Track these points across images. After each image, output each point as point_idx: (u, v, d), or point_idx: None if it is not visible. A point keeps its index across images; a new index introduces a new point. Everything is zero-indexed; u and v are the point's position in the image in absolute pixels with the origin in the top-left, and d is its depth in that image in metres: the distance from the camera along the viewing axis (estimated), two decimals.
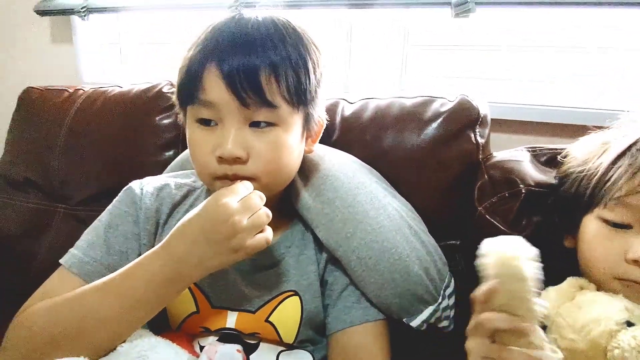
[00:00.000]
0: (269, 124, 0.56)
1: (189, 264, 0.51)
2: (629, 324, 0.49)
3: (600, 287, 0.55)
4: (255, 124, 0.56)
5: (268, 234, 0.54)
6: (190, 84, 0.55)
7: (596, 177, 0.55)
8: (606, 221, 0.54)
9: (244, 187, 0.53)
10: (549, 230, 0.64)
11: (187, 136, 0.60)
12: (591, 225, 0.56)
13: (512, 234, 0.66)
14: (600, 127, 0.64)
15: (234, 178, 0.56)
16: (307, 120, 0.60)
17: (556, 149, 0.72)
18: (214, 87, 0.54)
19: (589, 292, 0.55)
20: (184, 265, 0.51)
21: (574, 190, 0.59)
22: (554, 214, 0.64)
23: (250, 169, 0.56)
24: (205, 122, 0.57)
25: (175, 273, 0.51)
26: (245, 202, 0.52)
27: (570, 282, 0.58)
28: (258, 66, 0.53)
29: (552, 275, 0.60)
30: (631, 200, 0.51)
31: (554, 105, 0.91)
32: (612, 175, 0.53)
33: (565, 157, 0.66)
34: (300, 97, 0.57)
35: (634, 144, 0.54)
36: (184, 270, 0.51)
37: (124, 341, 0.52)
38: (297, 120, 0.58)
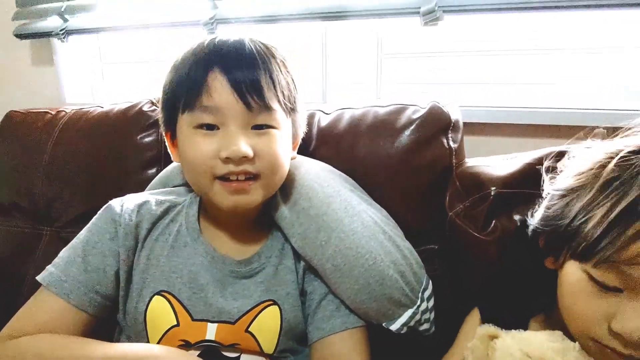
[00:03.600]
0: (268, 127, 0.61)
1: None
2: None
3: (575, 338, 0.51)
4: (256, 127, 0.60)
5: None
6: (191, 91, 0.59)
7: (590, 226, 0.46)
8: (593, 279, 0.46)
9: None
10: (527, 244, 0.58)
11: (182, 142, 0.62)
12: (575, 274, 0.49)
13: (481, 238, 0.68)
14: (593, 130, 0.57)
15: (241, 173, 0.59)
16: (294, 126, 0.68)
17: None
18: (221, 93, 0.58)
19: (497, 341, 0.54)
20: None
21: (563, 225, 0.50)
22: (538, 234, 0.56)
23: (257, 166, 0.60)
24: (207, 127, 0.59)
25: None
26: None
27: (480, 335, 0.56)
28: (259, 74, 0.59)
29: (527, 290, 0.60)
30: (626, 269, 0.43)
31: (525, 107, 0.94)
32: (609, 233, 0.44)
33: (561, 170, 0.57)
34: (291, 104, 0.64)
35: None
36: None
37: None
38: (288, 124, 0.65)
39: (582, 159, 0.54)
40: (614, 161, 0.48)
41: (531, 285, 0.60)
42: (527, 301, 0.61)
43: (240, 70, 0.58)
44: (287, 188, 0.69)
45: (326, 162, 0.79)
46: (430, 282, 0.71)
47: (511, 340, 0.53)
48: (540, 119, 0.91)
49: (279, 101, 0.60)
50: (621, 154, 0.48)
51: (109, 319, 0.66)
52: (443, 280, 0.76)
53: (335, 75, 1.12)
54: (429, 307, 0.69)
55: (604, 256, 0.44)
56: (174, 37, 1.17)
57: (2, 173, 1.10)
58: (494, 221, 0.68)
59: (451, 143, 0.79)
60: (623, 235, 0.43)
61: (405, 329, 0.66)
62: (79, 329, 0.60)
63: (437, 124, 0.80)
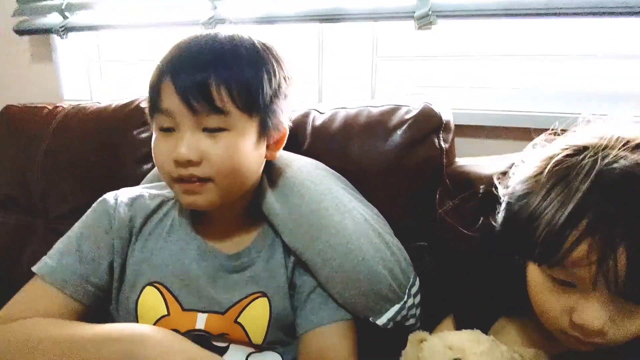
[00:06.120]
0: (222, 129, 0.59)
1: None
2: None
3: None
4: (209, 129, 0.59)
5: None
6: (153, 96, 0.61)
7: (539, 232, 0.49)
8: (550, 277, 0.50)
9: None
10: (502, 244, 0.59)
11: (152, 143, 0.63)
12: (535, 274, 0.52)
13: (469, 235, 0.70)
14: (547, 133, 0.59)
15: (190, 178, 0.59)
16: (263, 126, 0.63)
17: None
18: (170, 97, 0.58)
19: (425, 342, 0.58)
20: None
21: (519, 230, 0.53)
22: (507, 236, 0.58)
23: (204, 170, 0.59)
24: (166, 130, 0.61)
25: None
26: None
27: (410, 341, 0.61)
28: (207, 77, 0.57)
29: (500, 287, 0.61)
30: (574, 271, 0.46)
31: (516, 111, 0.95)
32: (554, 241, 0.47)
33: (513, 172, 0.60)
34: (252, 105, 0.60)
35: (588, 191, 0.46)
36: None
37: None
38: (251, 126, 0.61)
39: (527, 164, 0.57)
40: (548, 167, 0.51)
41: (503, 283, 0.61)
42: (499, 299, 0.63)
43: (185, 74, 0.57)
44: (278, 184, 0.70)
45: (320, 160, 0.80)
46: (418, 278, 0.72)
47: (437, 339, 0.58)
48: (530, 122, 0.93)
49: (234, 103, 0.59)
50: (556, 159, 0.51)
51: (101, 310, 0.67)
52: (431, 276, 0.77)
53: (331, 76, 1.13)
54: (416, 303, 0.70)
55: (553, 261, 0.47)
56: (172, 35, 1.18)
57: None
58: (481, 219, 0.70)
59: (442, 143, 0.81)
60: (566, 242, 0.46)
61: (391, 323, 0.68)
62: (72, 319, 0.61)
63: (428, 124, 0.81)
